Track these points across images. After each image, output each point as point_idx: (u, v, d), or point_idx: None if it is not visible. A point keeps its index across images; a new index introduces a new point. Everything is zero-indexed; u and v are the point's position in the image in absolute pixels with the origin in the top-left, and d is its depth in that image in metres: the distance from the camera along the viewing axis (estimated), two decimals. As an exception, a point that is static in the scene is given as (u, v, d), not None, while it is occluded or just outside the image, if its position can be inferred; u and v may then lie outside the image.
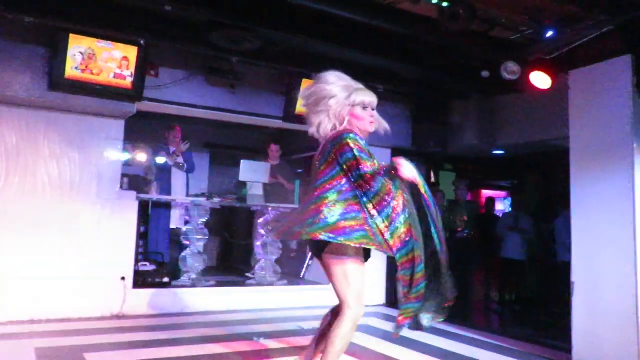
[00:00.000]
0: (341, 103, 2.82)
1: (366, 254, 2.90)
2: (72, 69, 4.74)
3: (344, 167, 2.72)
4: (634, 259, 3.79)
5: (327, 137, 2.84)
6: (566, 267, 4.41)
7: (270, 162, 6.82)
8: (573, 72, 4.38)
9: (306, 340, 3.90)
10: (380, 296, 6.68)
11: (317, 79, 2.92)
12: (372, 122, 2.88)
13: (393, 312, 6.19)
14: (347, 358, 4.03)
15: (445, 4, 3.84)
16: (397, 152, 7.01)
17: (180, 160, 6.48)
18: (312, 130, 2.91)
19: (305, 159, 7.25)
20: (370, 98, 2.88)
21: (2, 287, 4.79)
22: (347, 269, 2.75)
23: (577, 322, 4.15)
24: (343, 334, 2.73)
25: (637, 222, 3.81)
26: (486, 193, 11.27)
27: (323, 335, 2.98)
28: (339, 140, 2.75)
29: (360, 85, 2.95)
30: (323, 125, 2.85)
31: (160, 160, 6.38)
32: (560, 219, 6.51)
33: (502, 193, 11.62)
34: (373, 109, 2.90)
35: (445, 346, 4.60)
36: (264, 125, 6.72)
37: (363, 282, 2.83)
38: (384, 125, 2.98)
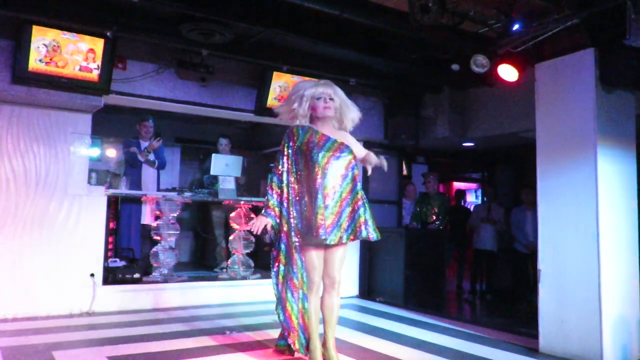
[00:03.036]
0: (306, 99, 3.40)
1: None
2: (36, 62, 4.62)
3: None
4: (597, 247, 3.89)
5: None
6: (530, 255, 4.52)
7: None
8: (539, 65, 4.46)
9: (274, 334, 3.93)
10: (354, 288, 6.73)
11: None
12: (326, 108, 3.36)
13: (366, 304, 6.26)
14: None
15: (415, -3, 3.86)
16: (369, 144, 7.06)
17: (151, 157, 6.37)
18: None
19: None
20: (320, 88, 3.39)
21: (-34, 286, 4.66)
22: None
23: (544, 308, 4.25)
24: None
25: (600, 211, 3.92)
26: (458, 185, 11.44)
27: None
28: None
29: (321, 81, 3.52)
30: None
31: (131, 153, 6.27)
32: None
33: (474, 185, 11.80)
34: (331, 98, 3.39)
35: (418, 335, 4.67)
36: (236, 119, 6.68)
37: None
38: (351, 115, 3.48)
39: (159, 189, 6.48)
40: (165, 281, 5.82)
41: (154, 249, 5.96)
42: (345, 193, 3.29)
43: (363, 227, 3.29)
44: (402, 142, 7.05)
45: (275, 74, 5.76)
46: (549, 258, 4.25)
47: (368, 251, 6.90)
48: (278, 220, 3.43)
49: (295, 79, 5.82)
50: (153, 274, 5.88)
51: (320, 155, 3.26)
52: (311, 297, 3.42)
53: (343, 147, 3.33)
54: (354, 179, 3.33)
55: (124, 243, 6.18)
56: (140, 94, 5.44)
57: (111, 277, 5.45)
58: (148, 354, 3.82)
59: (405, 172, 8.13)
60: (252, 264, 6.51)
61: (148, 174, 6.40)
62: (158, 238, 5.97)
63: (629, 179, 4.20)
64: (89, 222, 5.27)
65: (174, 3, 4.27)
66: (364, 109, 6.88)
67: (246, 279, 6.28)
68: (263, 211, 3.44)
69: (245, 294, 6.04)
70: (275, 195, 3.43)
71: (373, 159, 3.37)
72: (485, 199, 8.46)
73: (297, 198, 3.36)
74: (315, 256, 3.36)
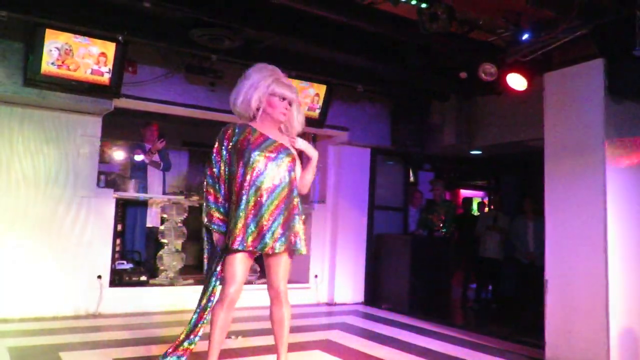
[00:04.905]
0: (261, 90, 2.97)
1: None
2: (48, 65, 4.66)
3: None
4: (604, 257, 3.88)
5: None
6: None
7: None
8: (548, 75, 4.47)
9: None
10: (359, 295, 6.72)
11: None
12: (282, 114, 3.00)
13: (371, 311, 6.25)
14: (327, 356, 4.06)
15: (424, 6, 3.89)
16: (376, 151, 7.08)
17: (156, 158, 6.40)
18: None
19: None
20: (287, 92, 2.99)
21: (-26, 286, 4.70)
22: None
23: (550, 319, 4.24)
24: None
25: (608, 221, 3.91)
26: (464, 193, 11.41)
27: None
28: None
29: (283, 78, 3.06)
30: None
31: (137, 158, 6.31)
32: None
33: (480, 193, 11.77)
34: (290, 104, 3.02)
35: (423, 343, 4.66)
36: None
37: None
38: (294, 125, 3.08)
39: (164, 192, 6.51)
40: (172, 284, 5.84)
41: (160, 252, 5.99)
42: (280, 199, 2.92)
43: (297, 239, 2.97)
44: (408, 149, 7.07)
45: (283, 79, 5.78)
46: (555, 268, 4.24)
47: (374, 258, 6.89)
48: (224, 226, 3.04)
49: (303, 84, 5.86)
50: (159, 276, 5.91)
51: (255, 154, 2.91)
52: (220, 311, 2.95)
53: (281, 149, 2.98)
54: (290, 183, 2.96)
55: (129, 245, 6.21)
56: (149, 97, 5.48)
57: (118, 279, 5.48)
58: (153, 356, 3.83)
59: (411, 178, 8.13)
60: (258, 269, 6.52)
61: (154, 177, 6.44)
62: (164, 241, 6.00)
63: (638, 189, 4.19)
64: (97, 224, 5.30)
65: (184, 8, 4.31)
66: (370, 115, 6.98)
67: (252, 283, 6.29)
68: (209, 222, 3.01)
69: (250, 299, 6.00)
70: (212, 199, 3.02)
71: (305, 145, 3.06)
72: (491, 207, 8.44)
73: (225, 202, 3.01)
74: (238, 266, 2.98)
